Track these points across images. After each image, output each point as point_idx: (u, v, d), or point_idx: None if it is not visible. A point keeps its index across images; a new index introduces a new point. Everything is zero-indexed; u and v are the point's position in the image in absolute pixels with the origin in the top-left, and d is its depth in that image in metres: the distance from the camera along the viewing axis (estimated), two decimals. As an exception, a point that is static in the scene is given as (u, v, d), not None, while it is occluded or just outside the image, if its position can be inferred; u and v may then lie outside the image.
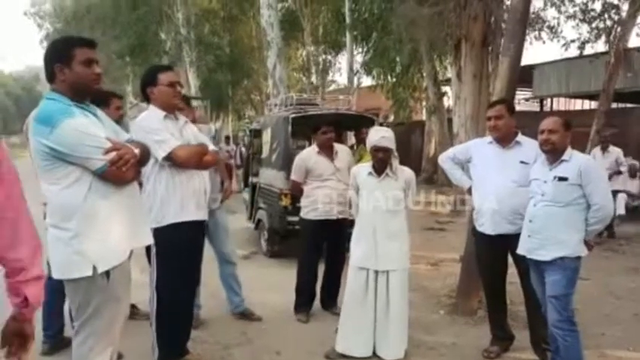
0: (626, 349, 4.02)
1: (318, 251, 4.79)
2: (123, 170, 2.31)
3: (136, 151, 2.41)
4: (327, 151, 4.77)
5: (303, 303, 4.67)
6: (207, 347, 3.92)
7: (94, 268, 2.28)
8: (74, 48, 2.31)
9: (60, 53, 2.32)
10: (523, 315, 3.92)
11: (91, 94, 2.45)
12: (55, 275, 2.36)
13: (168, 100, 3.20)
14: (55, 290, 3.59)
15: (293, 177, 4.88)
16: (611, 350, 3.96)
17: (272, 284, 5.57)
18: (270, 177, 7.01)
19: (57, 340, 3.76)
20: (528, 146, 3.62)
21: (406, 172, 3.84)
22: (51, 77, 2.33)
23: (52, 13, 34.04)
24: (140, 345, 3.48)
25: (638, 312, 4.85)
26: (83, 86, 2.34)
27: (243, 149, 14.56)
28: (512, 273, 3.79)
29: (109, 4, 19.51)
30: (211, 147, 3.43)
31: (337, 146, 4.91)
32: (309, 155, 4.80)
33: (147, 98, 3.26)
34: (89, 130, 2.27)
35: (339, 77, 29.38)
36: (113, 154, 2.27)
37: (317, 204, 4.66)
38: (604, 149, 8.20)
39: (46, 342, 3.74)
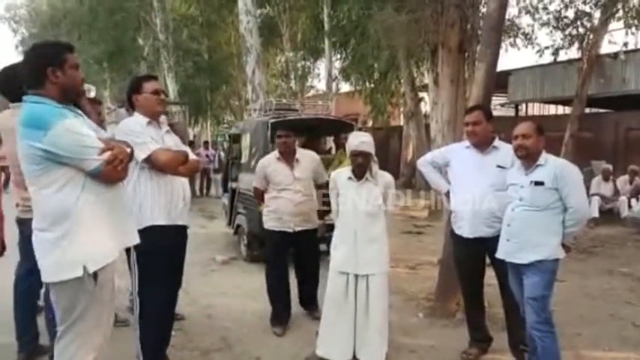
0: (602, 349, 4.10)
1: (283, 263, 4.62)
2: (118, 169, 2.38)
3: (128, 150, 2.50)
4: (288, 157, 4.56)
5: (278, 314, 4.51)
6: (186, 353, 3.89)
7: (84, 269, 2.29)
8: (65, 52, 2.40)
9: (53, 57, 2.37)
10: (501, 317, 3.96)
11: (77, 97, 2.55)
12: (46, 279, 2.36)
13: (152, 106, 3.32)
14: (26, 295, 3.63)
15: (254, 183, 4.78)
16: (588, 350, 4.03)
17: (252, 289, 5.53)
18: (249, 182, 6.94)
19: (32, 348, 3.68)
20: (505, 151, 3.66)
21: (385, 177, 3.85)
22: (39, 81, 2.34)
23: (27, 18, 33.52)
24: (120, 351, 3.42)
25: (613, 312, 4.95)
26: (74, 89, 2.44)
27: (222, 154, 14.51)
28: (489, 275, 3.83)
29: (86, 9, 19.23)
30: (192, 156, 3.46)
31: (301, 153, 4.70)
32: (268, 161, 4.64)
33: (132, 105, 3.38)
34: (83, 130, 2.33)
35: (318, 83, 29.37)
36: (108, 153, 2.33)
37: (274, 214, 4.52)
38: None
39: (21, 350, 3.66)
